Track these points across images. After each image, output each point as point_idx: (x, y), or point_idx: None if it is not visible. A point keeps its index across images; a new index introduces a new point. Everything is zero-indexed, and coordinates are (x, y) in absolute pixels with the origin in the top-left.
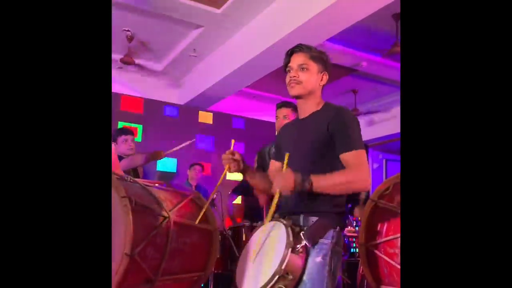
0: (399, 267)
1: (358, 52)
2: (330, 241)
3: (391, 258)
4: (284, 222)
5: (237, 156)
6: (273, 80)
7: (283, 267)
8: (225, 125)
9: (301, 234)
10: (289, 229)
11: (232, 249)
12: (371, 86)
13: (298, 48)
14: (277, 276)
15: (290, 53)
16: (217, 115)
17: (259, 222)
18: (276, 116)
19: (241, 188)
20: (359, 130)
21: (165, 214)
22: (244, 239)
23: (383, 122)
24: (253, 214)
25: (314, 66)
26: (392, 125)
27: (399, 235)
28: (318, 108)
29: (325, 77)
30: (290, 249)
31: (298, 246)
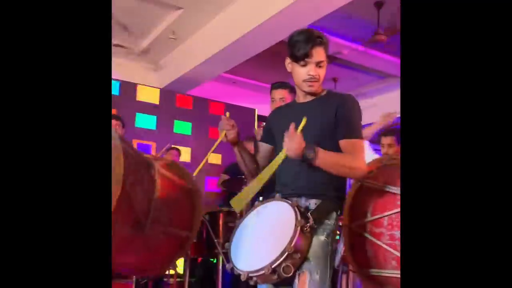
0: (385, 247)
1: (339, 40)
2: (333, 222)
3: (377, 238)
4: (289, 201)
5: (235, 126)
6: (253, 66)
7: (292, 245)
8: (203, 110)
9: (308, 213)
10: (296, 208)
11: (209, 234)
12: (352, 74)
13: (320, 40)
14: (286, 254)
15: (311, 45)
16: (195, 100)
17: (257, 201)
18: (272, 98)
19: (234, 168)
20: (360, 120)
21: (152, 162)
22: (221, 224)
23: (364, 110)
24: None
25: (325, 59)
26: (372, 114)
27: (385, 213)
28: (322, 94)
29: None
30: (299, 228)
31: (306, 225)
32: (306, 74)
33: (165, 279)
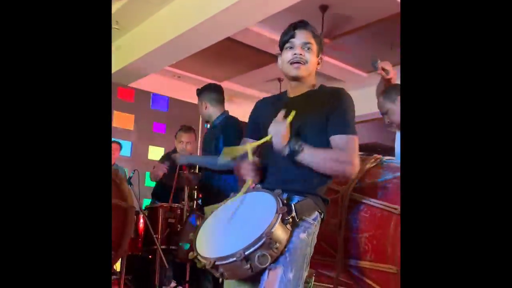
0: None
1: None
2: (314, 222)
3: None
4: (271, 192)
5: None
6: (198, 61)
7: (272, 230)
8: (146, 103)
9: (292, 204)
10: (278, 198)
11: (148, 230)
12: None
13: (303, 24)
14: (263, 240)
15: (293, 28)
16: (138, 93)
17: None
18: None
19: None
20: (354, 115)
21: None
22: (160, 220)
23: None
24: (167, 196)
25: (315, 47)
26: None
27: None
28: (314, 88)
29: (321, 62)
30: (280, 216)
31: (287, 217)
32: (291, 54)
33: None
